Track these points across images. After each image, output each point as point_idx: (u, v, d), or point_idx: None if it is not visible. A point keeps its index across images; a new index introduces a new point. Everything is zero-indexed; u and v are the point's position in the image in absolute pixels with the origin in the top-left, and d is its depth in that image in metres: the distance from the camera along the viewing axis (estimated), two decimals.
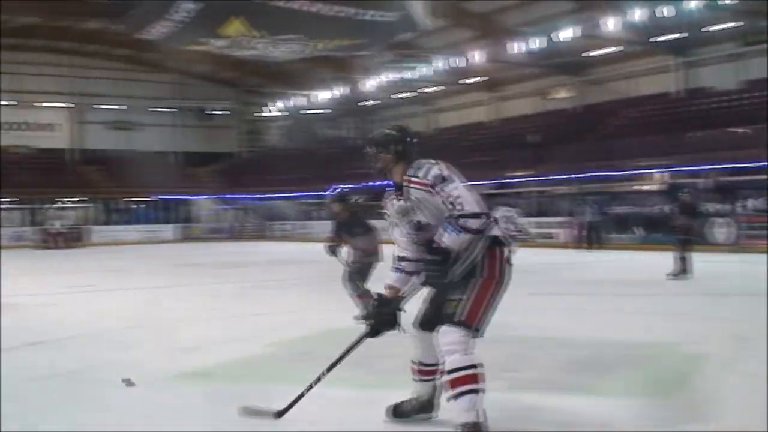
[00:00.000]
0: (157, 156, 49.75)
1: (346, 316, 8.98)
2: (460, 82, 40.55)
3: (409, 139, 4.74)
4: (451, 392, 4.28)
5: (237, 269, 20.55)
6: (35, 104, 46.28)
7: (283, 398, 4.86)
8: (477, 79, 39.84)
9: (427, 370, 4.83)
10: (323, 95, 43.42)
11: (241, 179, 46.63)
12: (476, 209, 4.32)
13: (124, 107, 48.97)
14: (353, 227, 9.20)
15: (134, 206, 45.38)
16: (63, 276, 18.89)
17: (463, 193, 4.34)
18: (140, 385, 5.92)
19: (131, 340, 8.12)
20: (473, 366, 4.26)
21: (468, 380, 4.23)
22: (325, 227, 39.58)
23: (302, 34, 18.35)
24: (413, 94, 44.20)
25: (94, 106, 48.14)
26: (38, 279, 18.36)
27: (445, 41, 37.13)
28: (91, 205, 44.30)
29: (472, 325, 4.34)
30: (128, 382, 5.93)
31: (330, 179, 43.84)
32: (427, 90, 43.67)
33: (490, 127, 42.20)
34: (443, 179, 4.37)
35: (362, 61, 35.48)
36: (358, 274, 9.13)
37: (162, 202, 44.59)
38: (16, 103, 45.60)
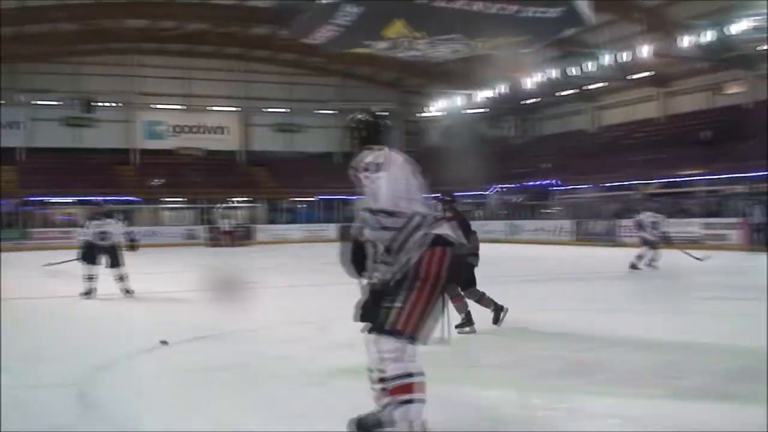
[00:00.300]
0: (320, 157, 51.00)
1: (506, 318, 8.83)
2: (627, 77, 39.27)
3: (376, 125, 4.57)
4: (386, 401, 4.06)
5: None
6: (208, 108, 48.36)
7: (436, 399, 4.78)
8: (644, 74, 38.47)
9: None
10: (484, 94, 43.14)
11: None
12: (389, 206, 4.08)
13: (288, 110, 50.39)
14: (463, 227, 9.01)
15: (298, 206, 46.59)
16: (230, 273, 19.50)
17: (384, 187, 4.10)
18: (300, 380, 6.02)
19: (292, 336, 8.27)
20: (409, 375, 4.00)
21: (402, 390, 3.98)
22: (485, 227, 38.91)
23: (463, 34, 18.22)
24: (577, 91, 43.20)
25: (267, 110, 49.84)
26: (207, 276, 19.11)
27: (610, 36, 36.06)
28: (258, 204, 45.90)
29: (404, 332, 4.03)
30: (164, 342, 7.18)
31: (490, 179, 43.81)
32: (591, 87, 42.58)
33: (658, 124, 40.71)
34: (376, 167, 4.15)
35: (524, 58, 34.98)
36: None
37: (324, 201, 45.57)
38: (185, 107, 47.86)
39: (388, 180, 4.13)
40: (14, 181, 40.82)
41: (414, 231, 4.15)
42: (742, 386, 5.70)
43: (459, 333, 8.21)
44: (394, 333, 4.02)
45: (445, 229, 4.21)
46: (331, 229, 43.62)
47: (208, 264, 23.94)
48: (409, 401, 3.97)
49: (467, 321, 8.49)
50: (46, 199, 40.28)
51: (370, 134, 4.52)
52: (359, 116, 4.65)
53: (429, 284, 4.08)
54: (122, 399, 4.65)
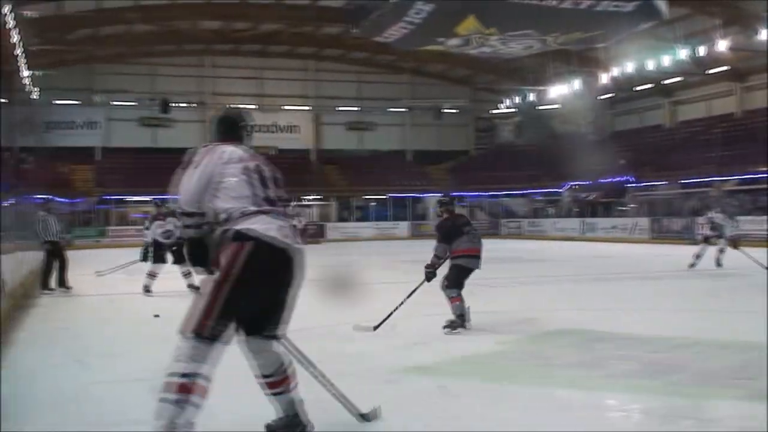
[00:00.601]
0: (392, 155, 51.13)
1: (577, 315, 8.73)
2: (704, 72, 38.36)
3: (228, 122, 4.63)
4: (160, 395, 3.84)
5: None
6: (280, 107, 48.87)
7: (507, 399, 4.76)
8: (721, 69, 37.54)
9: (271, 382, 4.34)
10: (557, 90, 42.65)
11: (473, 176, 46.84)
12: (184, 204, 4.19)
13: (359, 108, 50.63)
14: (453, 229, 8.87)
15: (369, 204, 46.79)
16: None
17: (184, 184, 4.17)
18: (369, 377, 6.05)
19: (362, 334, 8.30)
20: (184, 375, 3.79)
21: (170, 388, 3.79)
22: (558, 225, 38.65)
23: (536, 29, 18.04)
24: (653, 86, 42.39)
25: (338, 108, 50.09)
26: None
27: (687, 30, 35.26)
28: (329, 202, 46.24)
29: (185, 331, 3.89)
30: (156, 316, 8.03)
31: (563, 176, 43.33)
32: (668, 81, 41.74)
33: (737, 120, 39.69)
34: (188, 164, 4.21)
35: (599, 53, 34.48)
36: (455, 279, 8.73)
37: (395, 199, 45.66)
38: (257, 106, 48.47)
39: (191, 177, 4.17)
40: (91, 180, 41.98)
41: (215, 228, 4.17)
42: None
43: (446, 334, 8.27)
44: (181, 332, 3.92)
45: (254, 223, 4.06)
46: (402, 227, 43.71)
47: None
48: (173, 401, 3.77)
49: (459, 323, 8.44)
50: (122, 197, 41.23)
51: (224, 131, 4.55)
52: (218, 115, 4.76)
53: (215, 282, 3.95)
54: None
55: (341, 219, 45.21)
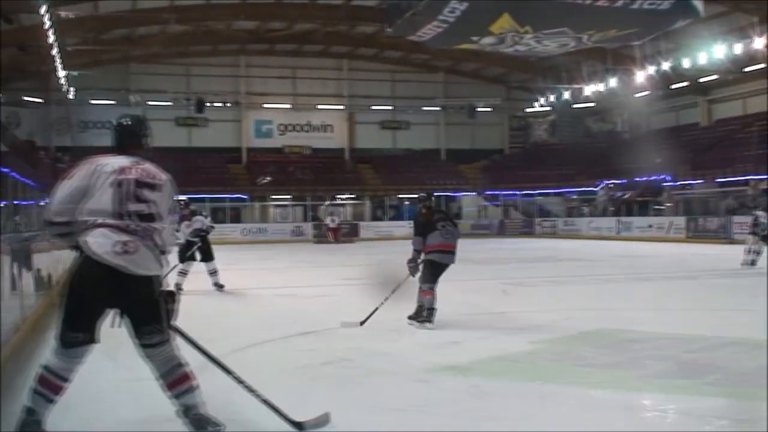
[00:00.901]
0: (425, 153, 51.10)
1: (612, 315, 8.67)
2: (741, 70, 37.86)
3: (123, 129, 4.65)
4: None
5: (500, 265, 20.51)
6: (314, 106, 49.04)
7: (543, 399, 4.74)
8: (758, 66, 37.02)
9: (168, 383, 4.40)
10: (593, 88, 42.30)
11: (507, 175, 46.69)
12: (50, 214, 4.33)
13: (392, 107, 50.63)
14: (426, 224, 8.97)
15: (403, 202, 46.78)
16: (336, 269, 19.63)
17: (56, 193, 4.31)
18: (403, 375, 6.08)
19: (395, 333, 8.33)
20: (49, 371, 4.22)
21: (40, 382, 4.22)
22: (593, 224, 38.25)
23: (569, 27, 17.95)
24: (689, 84, 41.93)
25: (372, 107, 50.12)
26: (314, 272, 19.40)
27: (724, 27, 34.82)
28: (363, 201, 46.32)
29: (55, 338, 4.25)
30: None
31: (598, 175, 43.02)
32: (704, 79, 41.27)
33: None
34: (67, 175, 4.38)
35: (635, 51, 34.15)
36: (428, 274, 8.79)
37: None
38: (291, 106, 48.66)
39: (63, 188, 4.30)
40: None
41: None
42: None
43: (409, 323, 8.64)
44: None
45: (91, 236, 4.20)
46: None
47: (313, 260, 24.31)
48: (39, 392, 4.19)
49: (425, 317, 8.60)
50: None
51: (119, 138, 4.60)
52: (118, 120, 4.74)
53: (57, 294, 4.38)
54: (225, 391, 4.80)
55: (375, 218, 45.24)
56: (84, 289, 4.19)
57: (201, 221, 13.67)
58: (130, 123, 4.69)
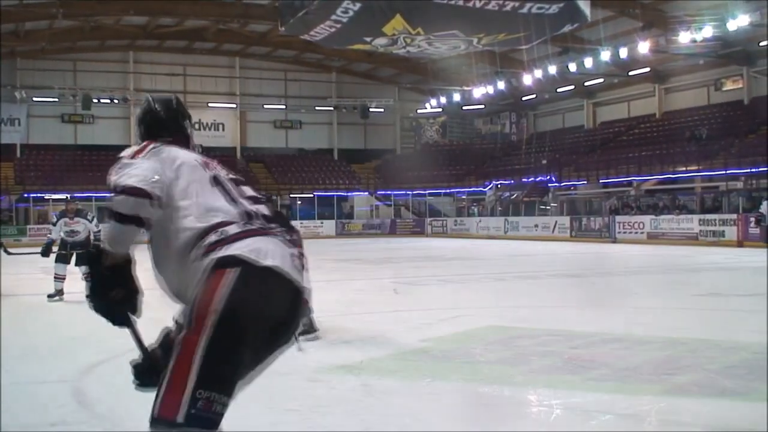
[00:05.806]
0: (319, 153, 51.06)
1: (500, 312, 8.83)
2: (626, 74, 39.27)
3: (151, 113, 3.22)
4: None
5: (392, 264, 20.65)
6: (205, 105, 48.28)
7: (433, 396, 4.78)
8: (643, 70, 38.48)
9: None
10: (482, 91, 43.08)
11: (399, 175, 47.09)
12: (130, 181, 2.72)
13: (284, 107, 50.37)
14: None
15: (296, 202, 46.60)
16: None
17: (131, 167, 2.82)
18: (294, 375, 6.02)
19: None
20: None
21: None
22: (482, 223, 38.94)
23: (460, 30, 18.23)
24: (575, 87, 43.22)
25: (265, 106, 49.71)
26: None
27: (609, 32, 35.96)
28: None
29: (169, 419, 2.47)
30: None
31: (487, 175, 43.88)
32: (589, 83, 42.61)
33: (657, 121, 40.77)
34: (121, 162, 2.87)
35: (522, 54, 34.93)
36: None
37: (321, 198, 45.61)
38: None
39: (130, 166, 2.86)
40: (11, 177, 40.89)
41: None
42: (739, 382, 5.69)
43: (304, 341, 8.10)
44: (158, 422, 2.51)
45: (256, 242, 2.78)
46: (328, 226, 43.67)
47: None
48: None
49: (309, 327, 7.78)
50: (42, 195, 40.23)
51: (142, 125, 3.25)
52: (143, 104, 3.29)
53: (202, 335, 2.59)
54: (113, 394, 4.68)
55: None
56: (265, 322, 2.77)
57: (83, 223, 12.95)
58: (175, 105, 3.32)
